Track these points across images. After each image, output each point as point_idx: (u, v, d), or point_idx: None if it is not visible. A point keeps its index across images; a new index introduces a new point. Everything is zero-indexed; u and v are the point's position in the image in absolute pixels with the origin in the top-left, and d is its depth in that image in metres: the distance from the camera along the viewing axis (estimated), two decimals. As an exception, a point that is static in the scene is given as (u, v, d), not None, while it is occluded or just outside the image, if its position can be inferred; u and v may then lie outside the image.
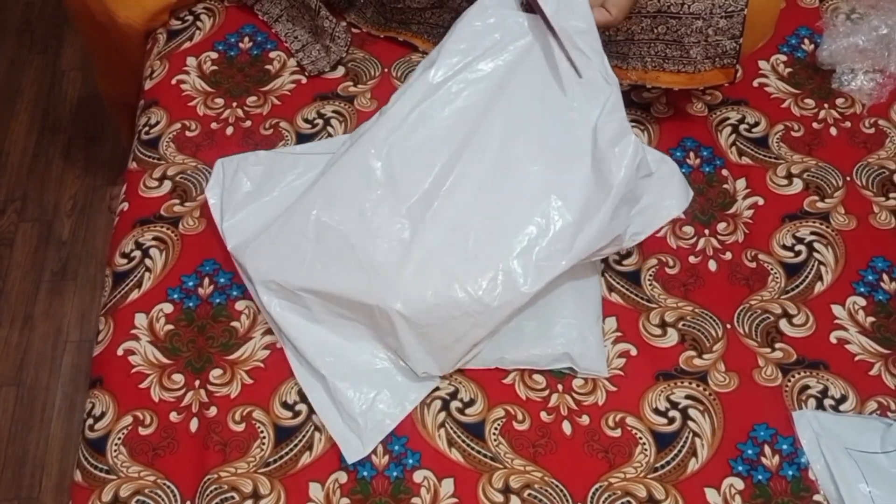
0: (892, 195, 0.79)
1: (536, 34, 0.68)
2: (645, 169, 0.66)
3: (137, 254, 0.73)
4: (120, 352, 0.68)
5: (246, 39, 0.88)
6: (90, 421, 0.65)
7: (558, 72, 0.67)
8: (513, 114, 0.67)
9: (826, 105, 0.85)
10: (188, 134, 0.80)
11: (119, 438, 0.64)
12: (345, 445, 0.64)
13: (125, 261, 0.73)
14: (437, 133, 0.66)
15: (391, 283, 0.63)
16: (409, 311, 0.63)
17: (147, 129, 0.81)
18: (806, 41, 0.89)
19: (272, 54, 0.86)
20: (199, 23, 0.88)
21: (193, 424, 0.65)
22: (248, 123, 0.81)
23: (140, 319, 0.70)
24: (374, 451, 0.64)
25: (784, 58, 0.88)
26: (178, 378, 0.67)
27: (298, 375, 0.67)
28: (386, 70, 0.85)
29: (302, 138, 0.80)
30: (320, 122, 0.82)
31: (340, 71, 0.85)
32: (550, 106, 0.67)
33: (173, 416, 0.65)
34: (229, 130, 0.81)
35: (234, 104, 0.83)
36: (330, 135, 0.81)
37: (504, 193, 0.65)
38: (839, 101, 0.85)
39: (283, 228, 0.67)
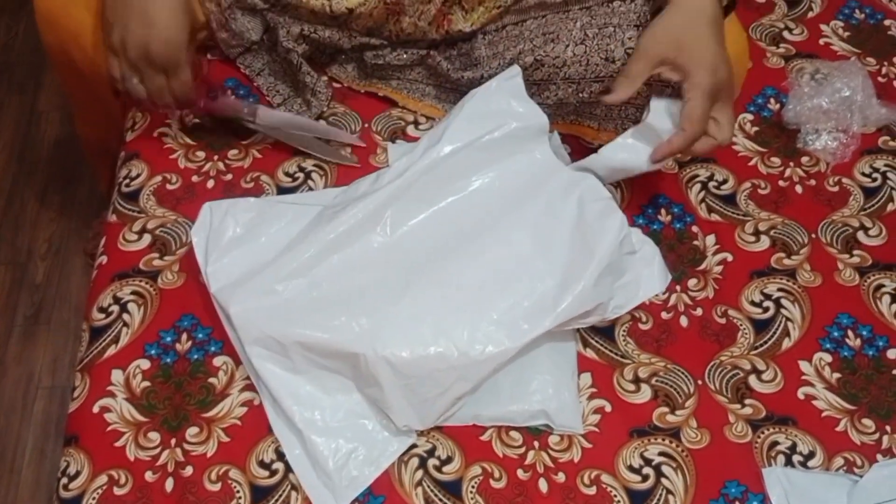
0: (855, 252, 0.82)
1: (533, 122, 0.74)
2: (629, 246, 0.70)
3: (115, 308, 0.73)
4: (96, 409, 0.68)
5: (228, 92, 0.88)
6: (64, 480, 0.65)
7: (550, 159, 0.74)
8: (505, 190, 0.72)
9: (792, 163, 0.88)
10: (169, 187, 0.81)
11: (93, 499, 0.64)
12: (319, 502, 0.64)
13: (102, 315, 0.73)
14: (434, 204, 0.70)
15: (379, 333, 0.65)
16: (395, 361, 0.64)
17: (127, 181, 0.82)
18: (772, 101, 0.93)
19: (253, 108, 0.88)
20: (181, 76, 0.89)
21: (169, 484, 0.65)
22: (230, 177, 0.82)
23: (116, 376, 0.70)
24: (351, 512, 0.64)
25: (751, 117, 0.91)
26: (154, 436, 0.67)
27: (275, 428, 0.67)
28: (366, 125, 0.87)
29: (283, 191, 0.81)
30: (301, 175, 0.83)
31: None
32: (540, 186, 0.72)
33: (148, 476, 0.65)
34: (210, 183, 0.82)
35: (216, 157, 0.83)
36: (311, 188, 0.82)
37: (492, 255, 0.69)
38: (804, 159, 0.88)
39: (272, 279, 0.68)
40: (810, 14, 1.01)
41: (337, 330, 0.66)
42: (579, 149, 0.84)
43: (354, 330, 0.66)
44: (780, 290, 0.79)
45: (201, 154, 0.84)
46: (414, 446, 0.67)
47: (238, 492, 0.65)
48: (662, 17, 0.71)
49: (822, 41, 0.99)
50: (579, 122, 0.84)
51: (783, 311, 0.77)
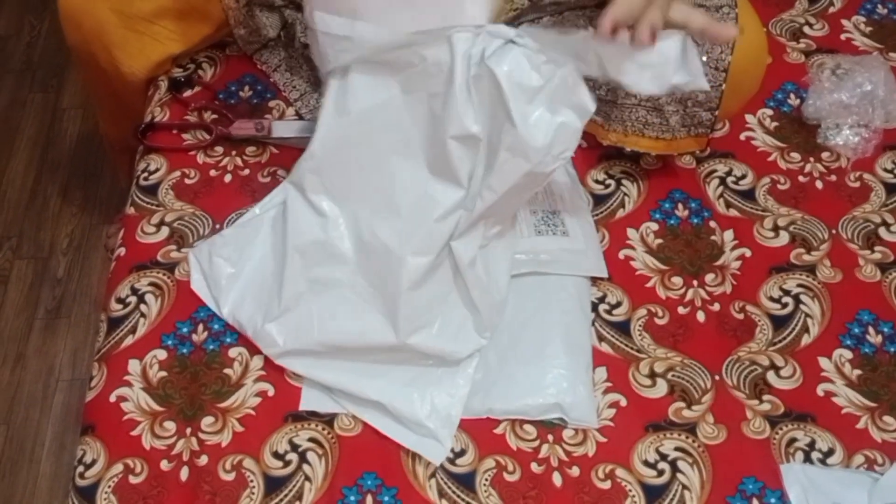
0: (876, 248, 0.81)
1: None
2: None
3: (133, 299, 0.74)
4: (112, 398, 0.69)
5: (246, 88, 0.89)
6: (80, 468, 0.65)
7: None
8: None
9: (812, 159, 0.87)
10: (187, 181, 0.82)
11: (109, 486, 0.64)
12: (426, 452, 0.66)
13: (120, 306, 0.74)
14: (365, 147, 0.69)
15: (410, 318, 0.67)
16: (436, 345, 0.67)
17: (146, 175, 0.82)
18: (792, 96, 0.92)
19: (271, 103, 0.88)
20: (200, 71, 0.90)
21: (184, 473, 0.65)
22: (247, 172, 0.83)
23: (133, 366, 0.70)
24: (364, 502, 0.64)
25: (770, 112, 0.90)
26: (170, 426, 0.67)
27: (360, 413, 0.68)
28: (382, 119, 0.87)
29: (298, 186, 0.82)
30: (317, 169, 0.83)
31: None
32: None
33: (164, 465, 0.66)
34: (228, 178, 0.82)
35: (234, 152, 0.84)
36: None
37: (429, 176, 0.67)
38: (825, 155, 0.87)
39: (286, 297, 0.69)
40: (831, 9, 1.00)
41: (365, 328, 0.68)
42: (586, 148, 0.84)
43: (383, 323, 0.67)
44: (799, 285, 0.78)
45: (219, 149, 0.84)
46: (428, 439, 0.67)
47: (252, 482, 0.65)
48: None
49: (843, 36, 0.97)
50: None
51: (802, 307, 0.76)
